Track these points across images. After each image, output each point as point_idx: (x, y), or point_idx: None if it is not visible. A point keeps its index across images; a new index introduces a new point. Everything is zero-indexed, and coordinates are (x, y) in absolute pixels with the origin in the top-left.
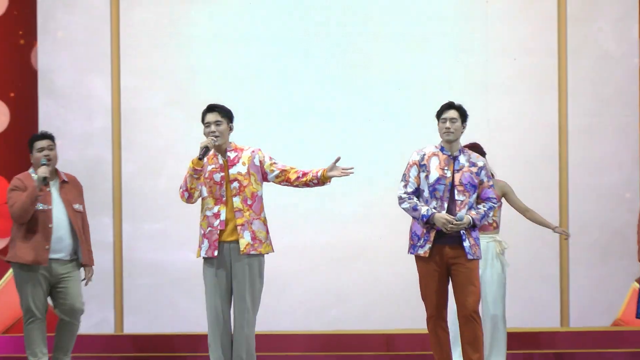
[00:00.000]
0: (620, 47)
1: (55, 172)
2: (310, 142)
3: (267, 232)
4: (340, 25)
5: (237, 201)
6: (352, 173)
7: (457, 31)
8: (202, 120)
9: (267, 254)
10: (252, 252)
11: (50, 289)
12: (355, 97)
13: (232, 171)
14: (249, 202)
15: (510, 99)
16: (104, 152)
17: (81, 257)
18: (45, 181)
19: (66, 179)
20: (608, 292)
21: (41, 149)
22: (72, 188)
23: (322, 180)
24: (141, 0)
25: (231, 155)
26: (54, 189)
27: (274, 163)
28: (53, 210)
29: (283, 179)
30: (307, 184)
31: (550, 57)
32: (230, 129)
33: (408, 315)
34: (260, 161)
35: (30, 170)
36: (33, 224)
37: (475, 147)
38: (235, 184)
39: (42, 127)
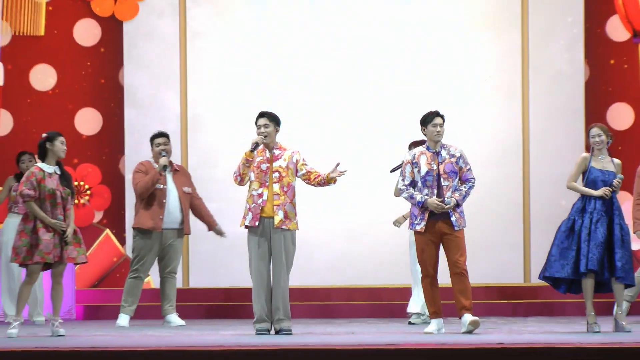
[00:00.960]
0: (570, 68)
1: (169, 162)
2: (330, 141)
3: (296, 214)
4: (358, 46)
5: (276, 187)
6: (345, 174)
7: (446, 57)
8: (255, 123)
9: (294, 230)
10: (284, 227)
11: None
12: (365, 108)
13: (275, 164)
14: (285, 189)
15: (486, 107)
16: (174, 148)
17: (185, 228)
18: (166, 168)
19: (177, 168)
20: None
21: (158, 144)
22: (181, 175)
23: (327, 181)
24: (202, 31)
25: (276, 152)
26: (168, 174)
27: (305, 165)
28: (167, 189)
29: (306, 177)
30: (319, 184)
31: (516, 75)
32: (277, 130)
33: (407, 274)
34: (296, 160)
35: (151, 159)
36: (152, 198)
37: (416, 143)
38: (276, 174)
39: (127, 131)
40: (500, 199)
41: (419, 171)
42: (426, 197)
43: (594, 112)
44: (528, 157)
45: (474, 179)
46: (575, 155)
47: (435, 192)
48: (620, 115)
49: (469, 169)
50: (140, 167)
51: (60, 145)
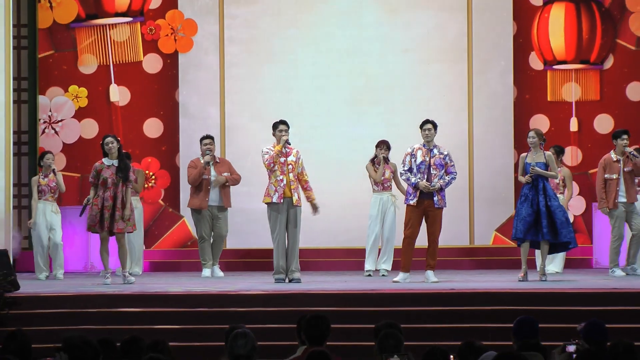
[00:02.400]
0: (502, 89)
1: (213, 157)
2: (331, 138)
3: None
4: (352, 72)
5: (291, 176)
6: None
7: (414, 81)
8: (277, 128)
9: (301, 207)
10: (297, 205)
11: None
12: (358, 113)
13: (288, 159)
14: (296, 177)
15: (442, 117)
16: (216, 148)
17: (224, 204)
18: (208, 164)
19: (218, 160)
20: (494, 225)
21: (205, 144)
22: (221, 165)
23: (306, 197)
24: (236, 63)
25: (288, 150)
26: (211, 166)
27: (302, 165)
28: (210, 178)
29: (300, 176)
30: (303, 189)
31: (463, 94)
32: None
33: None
34: (298, 158)
35: (200, 156)
36: (200, 185)
37: (385, 142)
38: (290, 166)
39: (182, 137)
40: (452, 184)
41: (415, 160)
42: (419, 180)
43: (520, 121)
44: (472, 154)
45: (456, 172)
46: (506, 153)
47: (426, 177)
48: (539, 124)
49: (453, 165)
50: (192, 163)
51: (105, 145)
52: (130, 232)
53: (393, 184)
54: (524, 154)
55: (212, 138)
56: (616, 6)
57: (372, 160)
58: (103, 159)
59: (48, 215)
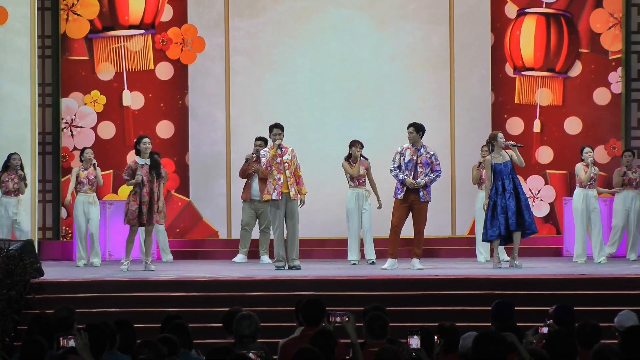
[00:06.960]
0: (481, 93)
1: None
2: (327, 138)
3: (298, 191)
4: (344, 79)
5: (287, 173)
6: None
7: (403, 87)
8: (271, 132)
9: (298, 200)
10: (294, 199)
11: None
12: (351, 118)
13: (284, 158)
14: (292, 174)
15: (427, 120)
16: (221, 147)
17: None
18: (248, 161)
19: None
20: (472, 216)
21: (255, 145)
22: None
23: (298, 193)
24: (240, 71)
25: (283, 150)
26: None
27: (297, 162)
28: (253, 174)
29: (294, 172)
30: (296, 183)
31: (446, 99)
32: (283, 135)
33: (376, 230)
34: (293, 156)
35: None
36: (246, 180)
37: (359, 142)
38: (286, 164)
39: (191, 138)
40: (437, 180)
41: (404, 159)
42: (406, 177)
43: (497, 123)
44: (454, 152)
45: (440, 171)
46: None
47: (413, 174)
48: (514, 125)
49: (438, 164)
50: (244, 161)
51: (142, 145)
52: (162, 223)
53: (373, 179)
54: (488, 157)
55: (262, 139)
56: (583, 25)
57: (347, 159)
58: (136, 158)
59: (86, 207)
